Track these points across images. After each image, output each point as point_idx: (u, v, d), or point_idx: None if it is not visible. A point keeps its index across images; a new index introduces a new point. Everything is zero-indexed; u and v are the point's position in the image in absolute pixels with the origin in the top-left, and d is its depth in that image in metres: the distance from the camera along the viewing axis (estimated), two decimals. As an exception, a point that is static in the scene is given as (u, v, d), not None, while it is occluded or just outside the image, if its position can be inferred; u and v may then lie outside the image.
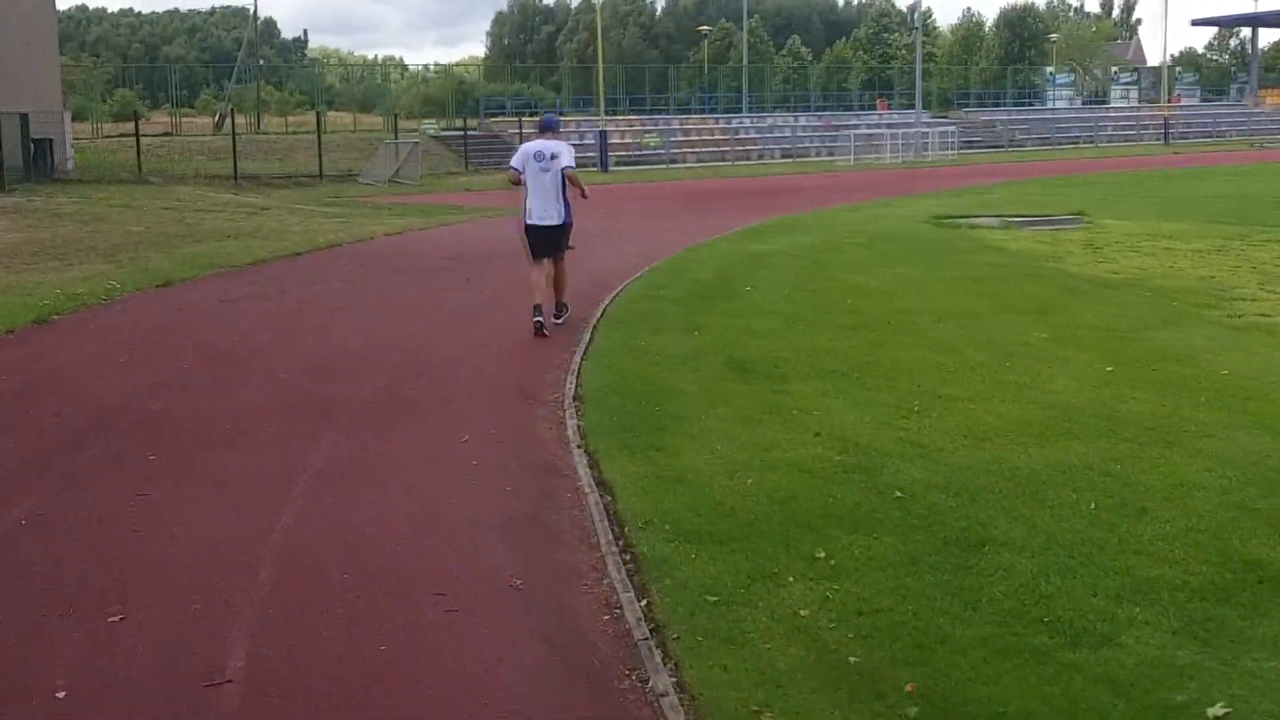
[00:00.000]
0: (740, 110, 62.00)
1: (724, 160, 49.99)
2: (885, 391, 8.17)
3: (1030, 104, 73.83)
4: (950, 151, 50.89)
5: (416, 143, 40.08)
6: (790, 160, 50.76)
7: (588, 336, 10.75)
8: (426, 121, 51.81)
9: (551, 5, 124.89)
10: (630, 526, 5.67)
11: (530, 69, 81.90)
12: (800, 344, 9.92)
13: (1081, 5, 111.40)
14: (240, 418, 8.01)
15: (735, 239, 18.95)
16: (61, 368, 9.78)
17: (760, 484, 6.18)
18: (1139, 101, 76.05)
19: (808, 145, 53.59)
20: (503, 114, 53.81)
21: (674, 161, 48.36)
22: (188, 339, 11.09)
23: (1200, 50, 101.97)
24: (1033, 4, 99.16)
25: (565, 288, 11.77)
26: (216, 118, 54.96)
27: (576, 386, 8.70)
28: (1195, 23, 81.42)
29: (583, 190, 11.69)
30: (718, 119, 57.00)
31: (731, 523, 5.62)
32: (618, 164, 45.89)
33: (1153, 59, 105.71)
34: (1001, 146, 57.94)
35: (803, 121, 57.37)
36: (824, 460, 6.58)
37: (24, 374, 9.48)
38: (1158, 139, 62.52)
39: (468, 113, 54.30)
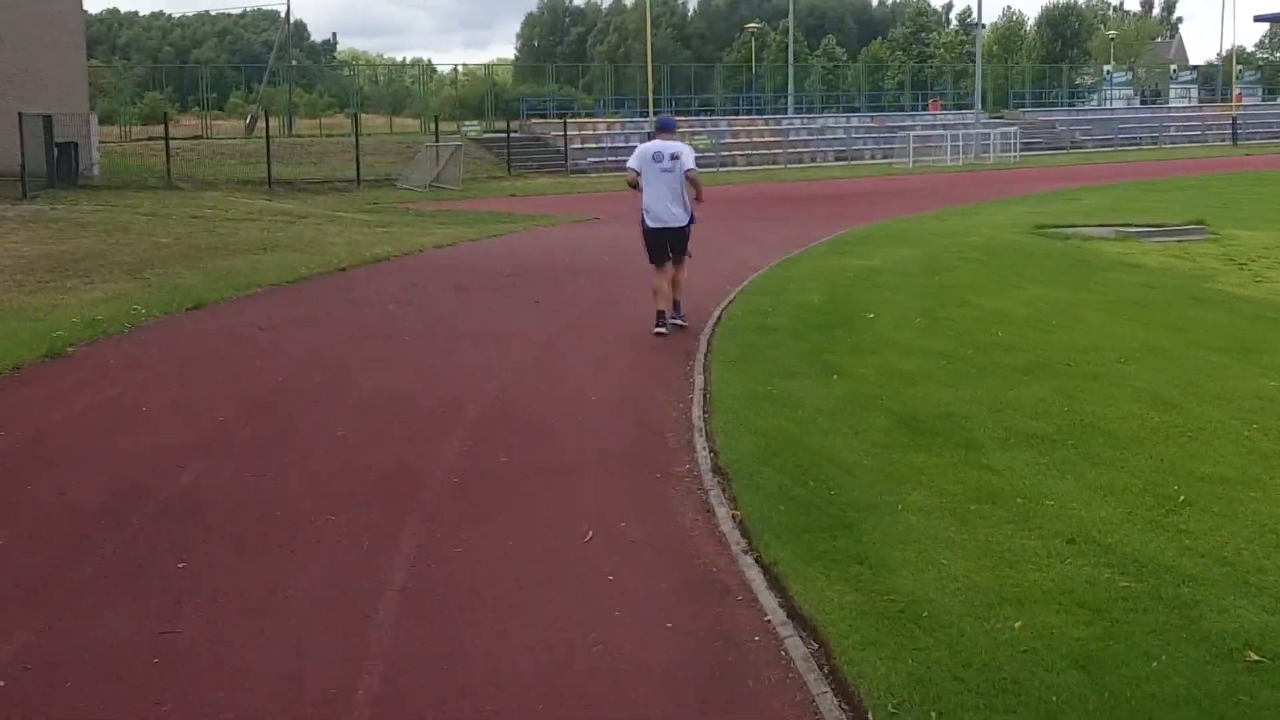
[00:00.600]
0: (784, 111, 60.17)
1: (775, 163, 48.22)
2: (1121, 468, 6.38)
3: (1073, 104, 71.62)
4: (1011, 154, 48.91)
5: (459, 145, 38.38)
6: (844, 163, 48.90)
7: (701, 379, 9.01)
8: (468, 124, 50.15)
9: (582, 6, 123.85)
10: (874, 707, 3.92)
11: (564, 69, 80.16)
12: (970, 393, 8.14)
13: (1121, 4, 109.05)
14: (293, 499, 6.31)
15: (826, 252, 17.14)
16: (72, 421, 8.09)
17: (1036, 630, 4.41)
18: (1198, 101, 73.75)
19: (861, 147, 51.71)
20: (544, 115, 52.15)
21: (724, 165, 46.55)
22: (223, 380, 9.41)
23: (1250, 49, 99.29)
24: (1074, 2, 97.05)
25: (681, 289, 11.54)
26: (248, 120, 53.49)
27: (712, 453, 6.96)
28: (1257, 19, 79.00)
29: (699, 194, 11.41)
30: (765, 120, 55.17)
31: (1032, 710, 3.86)
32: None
33: (1194, 58, 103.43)
34: (1063, 148, 55.85)
35: (854, 123, 55.47)
36: (1106, 587, 4.80)
37: (26, 429, 7.80)
38: (1222, 140, 60.34)
39: (501, 114, 52.55)
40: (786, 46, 75.14)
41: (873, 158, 51.11)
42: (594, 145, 46.13)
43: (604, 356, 10.27)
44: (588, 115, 55.25)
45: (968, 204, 26.63)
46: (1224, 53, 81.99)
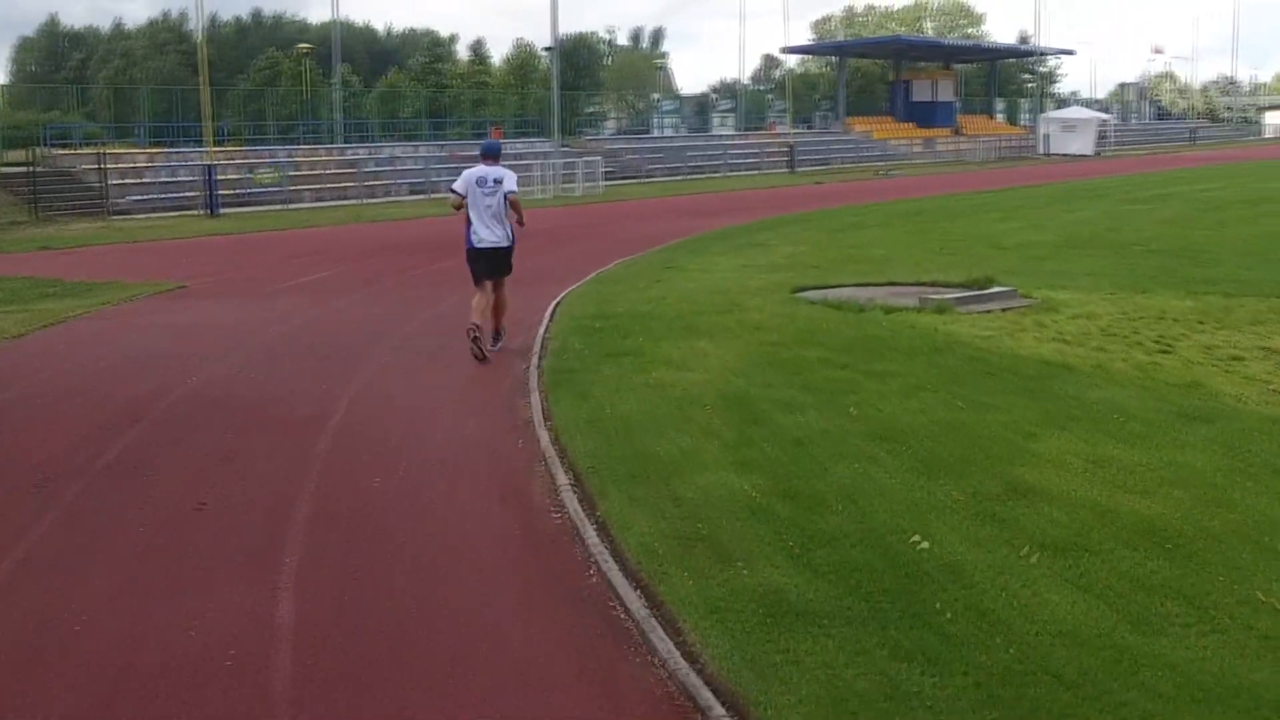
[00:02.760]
0: (333, 139, 52.79)
1: (348, 199, 41.37)
2: None
3: (585, 132, 68.52)
4: (597, 184, 44.58)
5: (-35, 185, 29.03)
6: (424, 197, 42.67)
7: None
8: (-21, 156, 39.44)
9: (81, 32, 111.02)
10: None
11: (72, 94, 68.18)
12: None
13: (613, 38, 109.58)
14: None
15: (592, 354, 11.25)
16: None
17: None
18: (735, 129, 72.97)
19: (438, 179, 45.64)
20: (68, 146, 42.09)
21: (289, 201, 39.23)
22: None
23: (746, 81, 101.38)
24: (585, 35, 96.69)
25: (505, 312, 11.85)
26: None
27: None
28: (785, 50, 79.95)
29: (521, 218, 11.63)
30: (329, 149, 47.68)
31: None
32: (223, 205, 36.49)
33: (687, 89, 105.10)
34: (640, 178, 52.26)
35: (423, 152, 49.01)
36: None
37: None
38: (778, 168, 59.26)
39: (10, 144, 41.93)
40: (297, 75, 68.07)
41: (451, 191, 45.32)
42: (136, 181, 37.38)
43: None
44: (119, 144, 45.67)
45: (635, 253, 21.49)
46: (712, 85, 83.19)
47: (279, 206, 38.22)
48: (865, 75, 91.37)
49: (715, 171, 56.71)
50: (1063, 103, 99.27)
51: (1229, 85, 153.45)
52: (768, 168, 59.44)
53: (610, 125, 77.17)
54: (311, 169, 43.53)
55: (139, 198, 36.05)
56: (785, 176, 54.87)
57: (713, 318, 13.00)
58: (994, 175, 52.26)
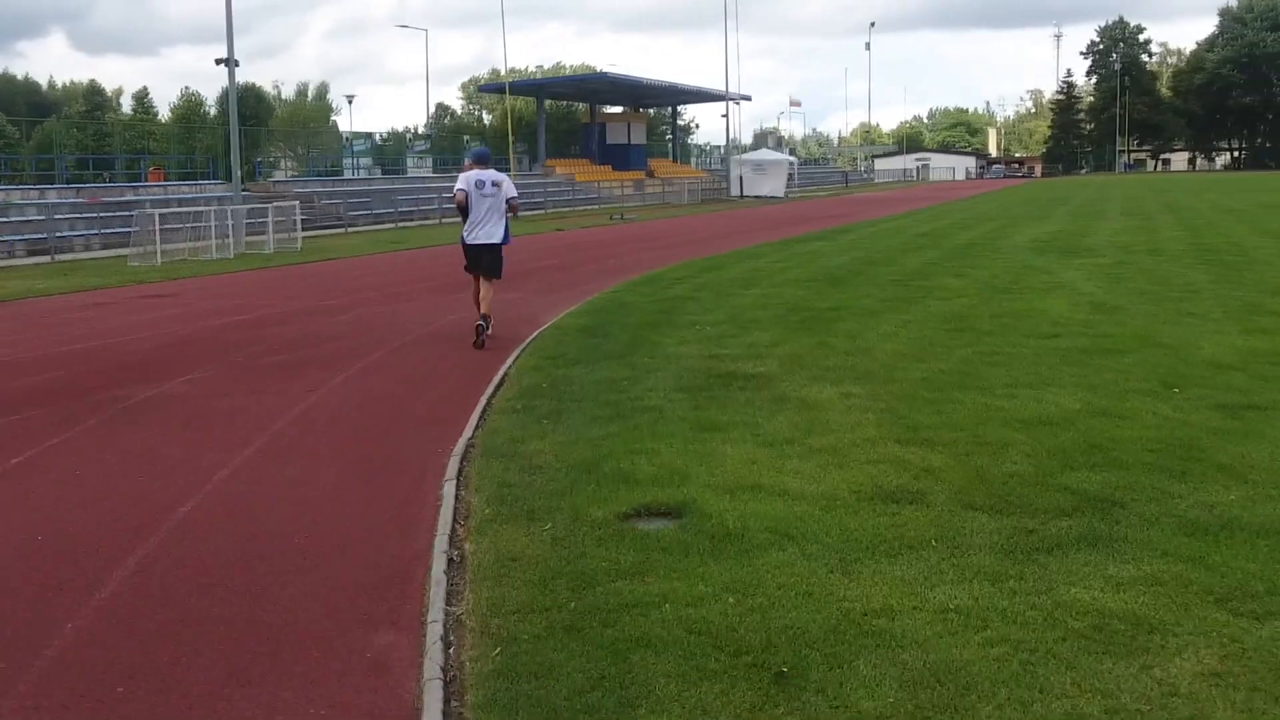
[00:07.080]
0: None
1: (-71, 264, 26.07)
2: None
3: (259, 179, 54.50)
4: (294, 237, 30.99)
5: None
6: (49, 259, 27.74)
7: None
8: None
9: None
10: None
11: None
12: None
13: (279, 93, 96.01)
14: None
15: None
16: None
17: None
18: (434, 172, 60.04)
19: (70, 234, 30.68)
20: None
21: None
22: None
23: (421, 127, 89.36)
24: (253, 85, 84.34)
25: (489, 305, 11.41)
26: None
27: None
28: (483, 89, 68.18)
29: (515, 212, 11.82)
30: (-90, 197, 31.50)
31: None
32: None
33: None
34: (340, 226, 38.60)
35: (52, 198, 33.61)
36: None
37: None
38: (491, 212, 47.03)
39: None
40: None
41: (88, 249, 30.53)
42: None
43: None
44: None
45: (453, 424, 9.01)
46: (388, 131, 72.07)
47: None
48: (528, 122, 79.65)
49: (426, 218, 43.81)
50: (699, 149, 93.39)
51: (821, 138, 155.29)
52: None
53: (282, 172, 63.05)
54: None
55: None
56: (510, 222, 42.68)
57: None
58: (742, 217, 42.15)
